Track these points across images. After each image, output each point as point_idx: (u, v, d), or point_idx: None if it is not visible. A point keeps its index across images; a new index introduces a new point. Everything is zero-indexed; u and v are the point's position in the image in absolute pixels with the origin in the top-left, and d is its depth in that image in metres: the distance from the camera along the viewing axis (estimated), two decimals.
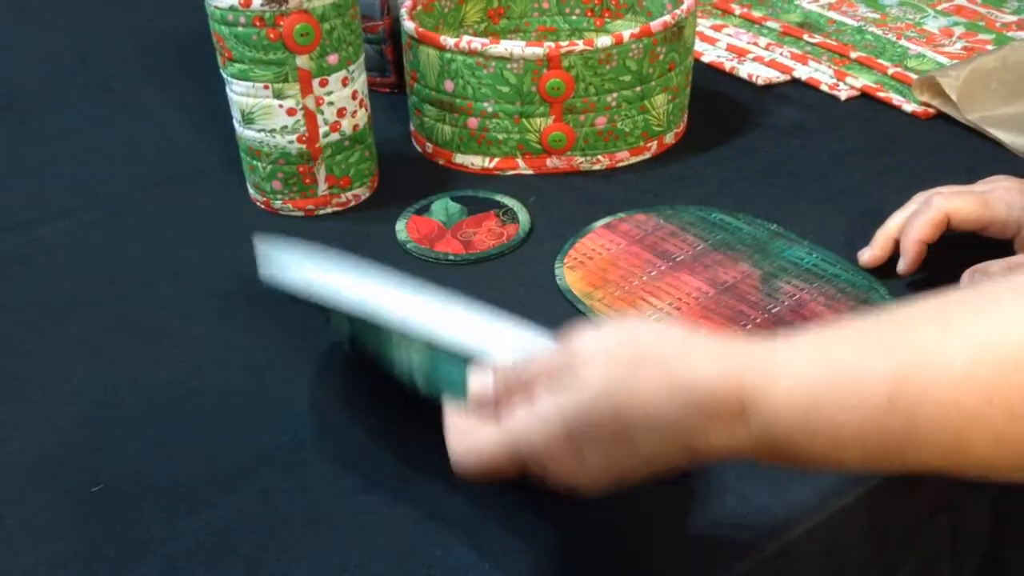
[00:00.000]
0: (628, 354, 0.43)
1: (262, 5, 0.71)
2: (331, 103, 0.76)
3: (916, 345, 0.39)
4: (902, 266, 0.69)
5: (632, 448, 0.43)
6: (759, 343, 0.42)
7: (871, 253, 0.71)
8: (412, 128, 0.91)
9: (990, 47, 1.01)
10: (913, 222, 0.69)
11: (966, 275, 0.66)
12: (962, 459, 0.39)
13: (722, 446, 0.42)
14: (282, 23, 0.72)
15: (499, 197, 0.82)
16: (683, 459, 0.43)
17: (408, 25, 0.84)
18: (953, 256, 0.69)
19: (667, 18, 0.82)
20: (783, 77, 1.00)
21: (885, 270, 0.70)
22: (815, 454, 0.40)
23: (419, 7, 0.90)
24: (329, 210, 0.81)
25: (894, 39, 1.04)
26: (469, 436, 0.47)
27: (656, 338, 0.43)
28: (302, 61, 0.74)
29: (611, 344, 0.44)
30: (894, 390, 0.38)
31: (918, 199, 0.71)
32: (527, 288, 0.71)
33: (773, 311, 0.67)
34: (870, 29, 1.07)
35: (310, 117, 0.76)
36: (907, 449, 0.39)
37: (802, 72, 1.00)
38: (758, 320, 0.67)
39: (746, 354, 0.42)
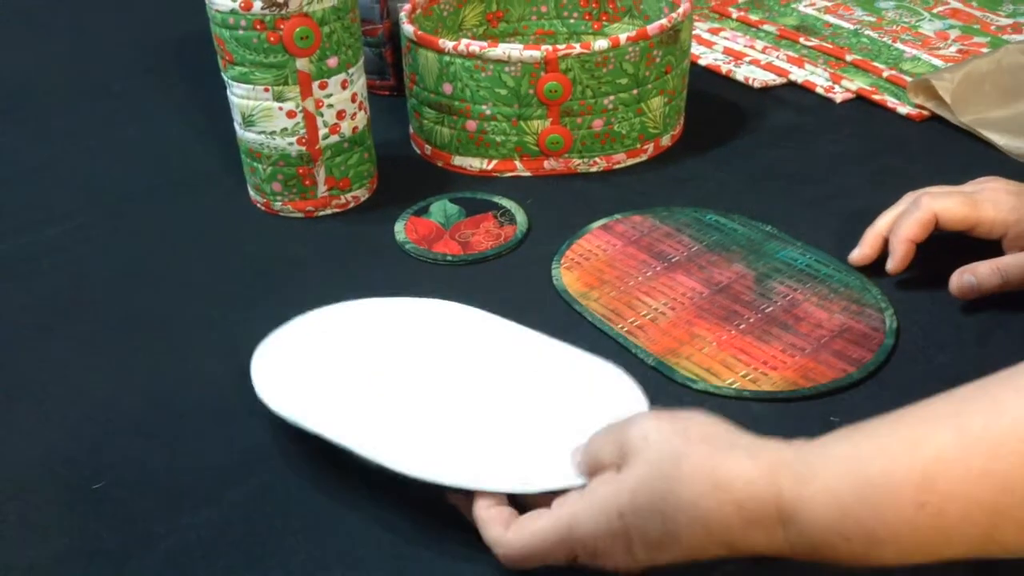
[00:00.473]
0: (677, 446, 0.46)
1: (262, 8, 0.72)
2: (331, 106, 0.77)
3: (935, 448, 0.41)
4: (891, 265, 0.70)
5: (677, 539, 0.45)
6: (793, 448, 0.45)
7: (860, 252, 0.72)
8: (411, 130, 0.92)
9: (985, 50, 1.02)
10: (902, 222, 0.69)
11: (954, 277, 0.67)
12: (994, 548, 0.41)
13: (762, 548, 0.44)
14: (282, 26, 0.73)
15: (497, 199, 0.82)
16: (723, 553, 0.45)
17: (407, 28, 0.85)
18: (942, 255, 0.69)
19: (663, 21, 0.83)
20: (779, 80, 1.01)
21: (878, 271, 0.71)
22: (852, 555, 0.42)
23: (418, 11, 0.91)
24: (328, 211, 0.82)
25: (890, 42, 1.05)
26: (516, 521, 0.49)
27: (705, 433, 0.46)
28: (302, 64, 0.75)
29: (664, 435, 0.47)
30: (919, 492, 0.40)
31: (907, 199, 0.72)
32: (524, 288, 0.72)
33: (766, 311, 0.68)
34: (866, 32, 1.08)
35: (310, 119, 0.77)
36: (938, 544, 0.41)
37: (798, 75, 1.01)
38: (751, 320, 0.67)
39: (782, 461, 0.44)
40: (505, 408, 0.58)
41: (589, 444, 0.51)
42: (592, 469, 0.49)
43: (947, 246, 0.70)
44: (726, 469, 0.44)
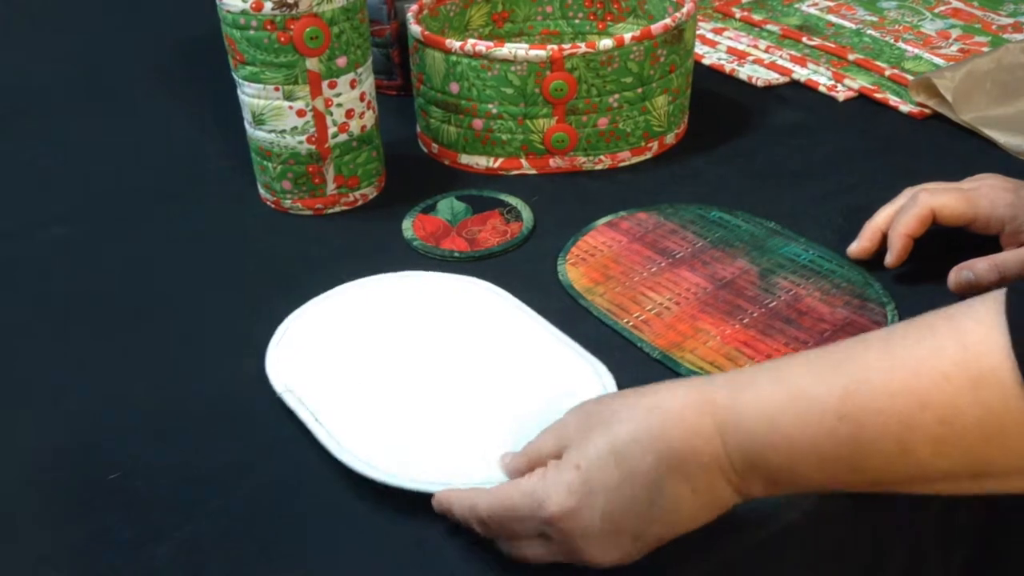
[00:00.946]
0: (608, 403, 0.50)
1: (273, 9, 0.73)
2: (340, 105, 0.78)
3: (861, 365, 0.44)
4: (889, 259, 0.71)
5: (633, 474, 0.46)
6: (723, 374, 0.48)
7: (859, 245, 0.73)
8: (418, 129, 0.93)
9: (986, 49, 1.02)
10: (900, 217, 0.70)
11: (952, 273, 0.68)
12: (907, 464, 0.43)
13: (711, 467, 0.46)
14: (292, 27, 0.74)
15: (503, 196, 0.83)
16: (683, 486, 0.46)
17: (414, 29, 0.86)
18: (943, 251, 0.70)
19: (667, 21, 0.84)
20: (782, 79, 1.02)
21: (880, 266, 0.72)
22: (780, 467, 0.45)
23: (425, 11, 0.92)
24: (337, 209, 0.83)
25: (892, 41, 1.06)
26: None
27: (633, 389, 0.50)
28: (312, 64, 0.76)
29: (595, 402, 0.51)
30: (841, 404, 0.43)
31: (906, 194, 0.73)
32: (530, 284, 0.73)
33: (770, 306, 0.69)
34: (868, 32, 1.08)
35: (319, 118, 0.78)
36: (856, 457, 0.43)
37: (801, 74, 1.02)
38: (755, 314, 0.68)
39: (712, 382, 0.47)
40: (485, 402, 0.61)
41: (528, 447, 0.52)
42: (532, 467, 0.51)
43: (948, 241, 0.71)
44: (659, 397, 0.47)
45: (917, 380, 0.42)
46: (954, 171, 0.75)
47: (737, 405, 0.45)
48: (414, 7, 0.90)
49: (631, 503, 0.46)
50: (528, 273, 0.75)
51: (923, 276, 0.71)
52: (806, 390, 0.44)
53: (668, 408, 0.46)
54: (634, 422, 0.47)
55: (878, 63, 1.01)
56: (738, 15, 1.15)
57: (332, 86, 0.77)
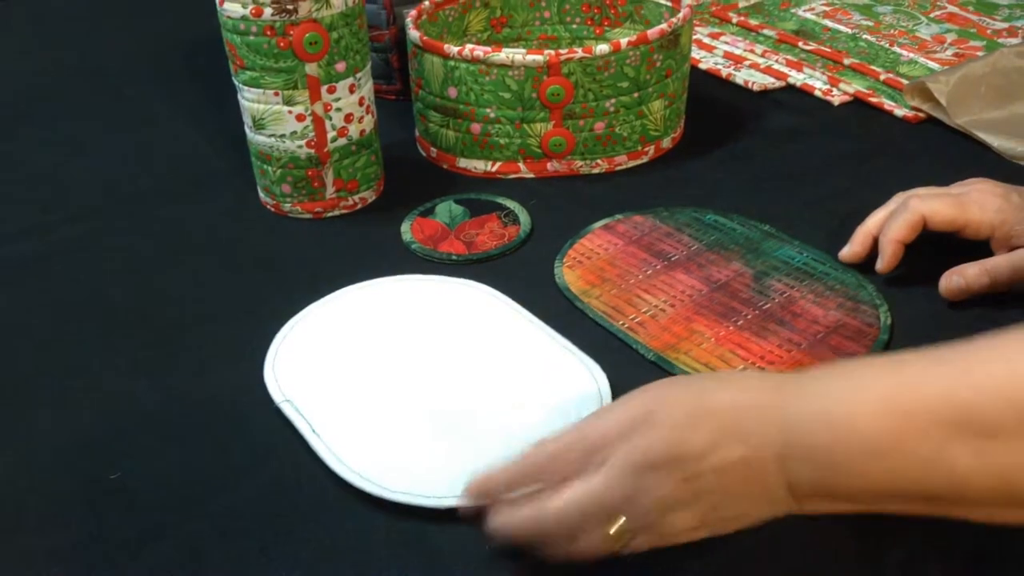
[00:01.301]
0: (661, 388, 0.50)
1: (272, 15, 0.74)
2: (339, 109, 0.79)
3: (909, 372, 0.45)
4: (880, 264, 0.71)
5: (702, 401, 0.47)
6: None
7: (850, 249, 0.73)
8: (417, 134, 0.94)
9: (980, 53, 1.03)
10: (891, 223, 0.71)
11: (943, 279, 0.68)
12: (941, 468, 0.43)
13: (766, 432, 0.46)
14: (292, 32, 0.74)
15: (501, 200, 0.84)
16: (738, 450, 0.46)
17: (413, 34, 0.87)
18: (936, 254, 0.71)
19: (664, 26, 0.84)
20: (778, 83, 1.02)
21: (873, 269, 0.72)
22: (826, 449, 0.45)
23: (424, 17, 0.92)
24: (337, 213, 0.84)
25: (887, 46, 1.07)
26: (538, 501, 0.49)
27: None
28: (311, 69, 0.76)
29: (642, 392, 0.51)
30: (885, 402, 0.44)
31: (897, 199, 0.73)
32: (527, 287, 0.74)
33: (764, 308, 0.70)
34: (864, 36, 1.09)
35: (319, 123, 0.79)
36: (895, 457, 0.44)
37: (797, 78, 1.02)
38: (749, 316, 0.69)
39: (779, 375, 0.49)
40: (480, 406, 0.62)
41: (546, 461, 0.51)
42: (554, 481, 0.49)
43: (941, 244, 0.72)
44: (724, 371, 0.51)
45: (962, 391, 0.42)
46: (948, 175, 0.76)
47: (800, 381, 0.47)
48: (413, 12, 0.90)
49: (695, 417, 0.47)
50: (525, 276, 0.75)
51: (916, 278, 0.72)
52: (860, 379, 0.46)
53: (735, 372, 0.50)
54: (700, 380, 0.50)
55: (873, 67, 1.02)
56: (735, 20, 1.16)
57: (331, 91, 0.78)
